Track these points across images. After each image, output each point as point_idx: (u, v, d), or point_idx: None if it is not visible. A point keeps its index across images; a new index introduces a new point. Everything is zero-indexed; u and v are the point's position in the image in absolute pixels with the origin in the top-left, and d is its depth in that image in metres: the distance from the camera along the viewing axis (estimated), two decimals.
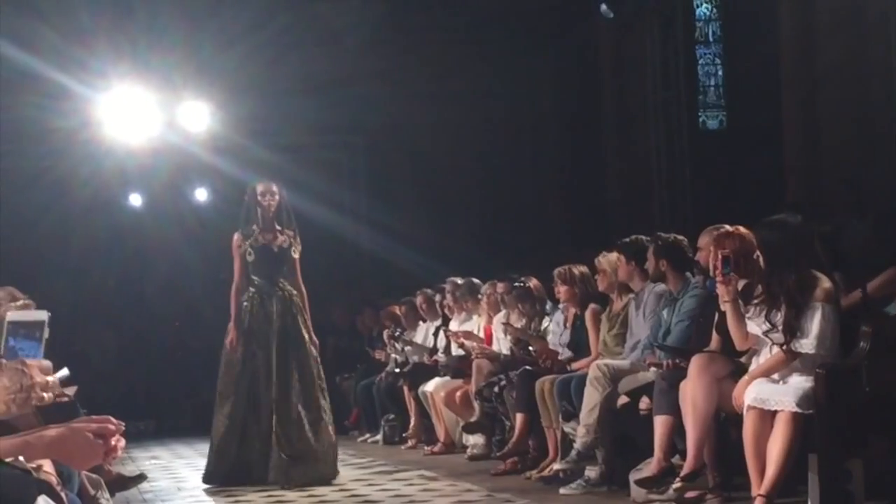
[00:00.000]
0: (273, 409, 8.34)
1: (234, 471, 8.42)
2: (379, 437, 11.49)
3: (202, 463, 10.46)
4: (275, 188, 8.76)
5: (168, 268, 16.45)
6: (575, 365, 8.03)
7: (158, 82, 14.29)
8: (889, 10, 11.55)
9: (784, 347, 5.61)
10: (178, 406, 15.46)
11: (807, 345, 5.56)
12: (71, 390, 5.92)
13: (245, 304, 8.63)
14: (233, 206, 15.03)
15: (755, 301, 5.81)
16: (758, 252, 5.86)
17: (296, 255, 8.72)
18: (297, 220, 8.92)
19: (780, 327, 5.62)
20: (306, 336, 8.62)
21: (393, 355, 11.67)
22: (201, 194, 16.99)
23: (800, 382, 5.57)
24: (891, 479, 5.48)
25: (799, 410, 5.41)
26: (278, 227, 8.75)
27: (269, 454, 8.28)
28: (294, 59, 15.47)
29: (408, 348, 11.38)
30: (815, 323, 5.55)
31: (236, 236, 8.77)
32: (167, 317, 16.71)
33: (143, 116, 14.08)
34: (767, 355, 5.76)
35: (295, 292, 8.70)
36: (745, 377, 5.74)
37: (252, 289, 8.66)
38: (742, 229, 6.07)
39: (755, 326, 5.78)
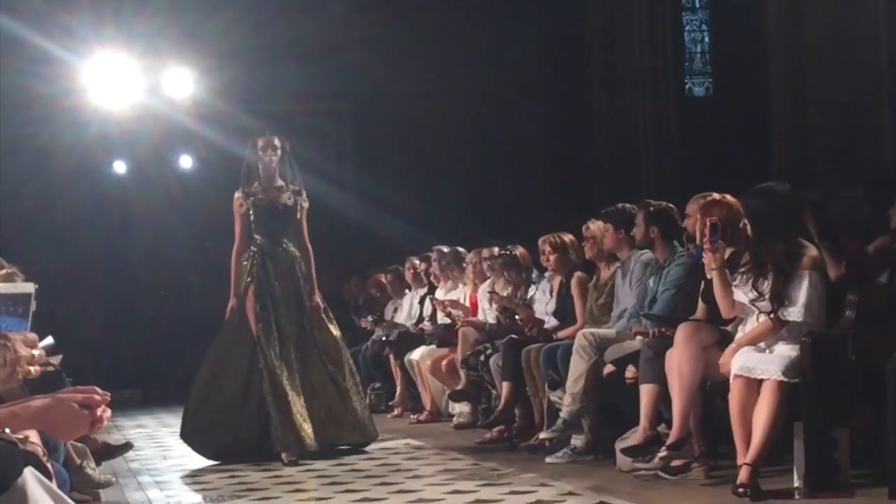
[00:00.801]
0: (273, 377, 7.85)
1: (235, 445, 7.92)
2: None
3: None
4: (277, 141, 8.23)
5: (153, 236, 16.39)
6: (561, 333, 8.03)
7: (142, 48, 14.21)
8: None
9: (771, 316, 5.62)
10: (164, 374, 15.45)
11: (794, 313, 5.57)
12: (56, 359, 5.91)
13: (245, 263, 8.13)
14: (217, 174, 15.07)
15: (742, 269, 5.81)
16: (745, 220, 5.86)
17: (301, 213, 8.24)
18: None
19: (768, 295, 5.62)
20: (312, 300, 8.17)
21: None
22: (186, 161, 16.94)
23: (786, 351, 5.58)
24: (876, 448, 5.49)
25: (785, 379, 5.42)
26: (281, 183, 8.25)
27: (273, 426, 7.76)
28: (280, 25, 15.38)
29: (393, 331, 11.30)
30: (802, 291, 5.56)
31: (237, 195, 8.22)
32: (152, 285, 16.69)
33: (127, 83, 14.00)
34: (753, 324, 5.77)
35: (299, 253, 8.23)
36: (732, 345, 5.75)
37: (253, 248, 8.15)
38: (729, 197, 6.07)
39: (742, 295, 5.78)
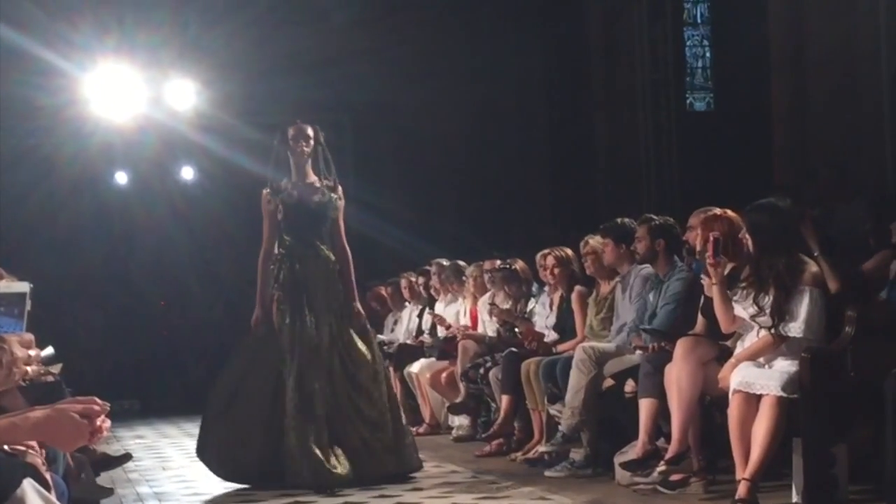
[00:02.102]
0: (298, 397, 7.05)
1: (253, 469, 7.20)
2: None
3: (187, 442, 10.44)
4: (309, 131, 7.42)
5: (154, 246, 16.42)
6: (560, 347, 8.04)
7: (145, 60, 14.25)
8: None
9: (772, 331, 5.62)
10: (163, 385, 15.45)
11: (794, 329, 5.57)
12: (56, 368, 5.92)
13: (272, 267, 7.30)
14: (219, 185, 15.11)
15: (742, 284, 5.82)
16: (745, 235, 5.87)
17: (337, 211, 7.43)
18: None
19: (768, 311, 5.63)
20: (349, 308, 7.36)
21: (380, 336, 11.66)
22: (187, 173, 16.96)
23: (785, 367, 5.58)
24: (874, 464, 5.49)
25: (784, 395, 5.42)
26: (314, 178, 7.44)
27: (305, 452, 6.97)
28: (281, 37, 15.41)
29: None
30: (803, 307, 5.56)
31: (265, 192, 7.36)
32: (153, 296, 16.69)
33: (130, 94, 14.04)
34: (753, 339, 5.77)
35: (333, 257, 7.38)
36: (732, 360, 5.76)
37: (281, 250, 7.34)
38: (730, 212, 6.09)
39: (742, 310, 5.78)
